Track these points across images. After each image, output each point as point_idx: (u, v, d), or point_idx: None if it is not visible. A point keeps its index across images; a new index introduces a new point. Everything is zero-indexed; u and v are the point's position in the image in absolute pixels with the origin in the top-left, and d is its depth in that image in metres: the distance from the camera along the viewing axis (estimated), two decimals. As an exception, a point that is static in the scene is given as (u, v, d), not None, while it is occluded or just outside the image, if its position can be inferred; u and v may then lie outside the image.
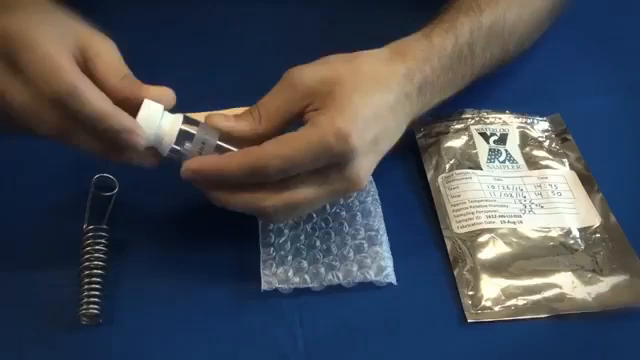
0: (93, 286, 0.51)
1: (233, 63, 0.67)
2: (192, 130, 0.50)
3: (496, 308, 0.51)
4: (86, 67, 0.49)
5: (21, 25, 0.48)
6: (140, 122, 0.48)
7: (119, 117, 0.48)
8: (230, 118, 0.51)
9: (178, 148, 0.50)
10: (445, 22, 0.57)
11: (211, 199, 0.50)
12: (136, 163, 0.51)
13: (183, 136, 0.50)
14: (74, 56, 0.48)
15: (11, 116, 0.48)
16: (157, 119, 0.49)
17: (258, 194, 0.49)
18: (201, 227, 0.56)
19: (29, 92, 0.47)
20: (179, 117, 0.50)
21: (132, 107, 0.49)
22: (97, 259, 0.52)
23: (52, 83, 0.46)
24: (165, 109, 0.50)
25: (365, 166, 0.50)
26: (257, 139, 0.49)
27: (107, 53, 0.50)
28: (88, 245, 0.52)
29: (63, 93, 0.46)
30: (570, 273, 0.52)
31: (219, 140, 0.50)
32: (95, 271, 0.51)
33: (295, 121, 0.51)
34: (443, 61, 0.55)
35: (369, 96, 0.50)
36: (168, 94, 0.50)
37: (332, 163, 0.49)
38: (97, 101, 0.47)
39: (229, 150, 0.50)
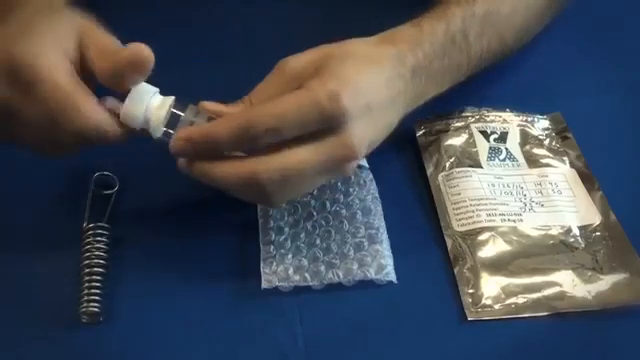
0: (93, 284, 0.51)
1: (233, 61, 0.67)
2: (180, 112, 0.50)
3: (496, 306, 0.51)
4: (82, 57, 0.49)
5: (25, 50, 0.48)
6: (128, 104, 0.49)
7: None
8: (220, 105, 0.50)
9: (168, 130, 0.50)
10: (435, 12, 0.57)
11: (204, 177, 0.49)
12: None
13: (172, 118, 0.49)
14: (74, 54, 0.49)
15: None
16: (144, 101, 0.49)
17: (250, 160, 0.48)
18: (201, 225, 0.56)
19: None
20: (169, 99, 0.50)
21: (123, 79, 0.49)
22: (97, 257, 0.52)
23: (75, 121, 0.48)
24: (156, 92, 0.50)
25: (359, 132, 0.48)
26: None
27: (99, 41, 0.50)
28: (88, 243, 0.52)
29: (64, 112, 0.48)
30: (570, 271, 0.52)
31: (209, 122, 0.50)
32: (95, 269, 0.51)
33: None
34: (435, 46, 0.55)
35: (360, 68, 0.50)
36: (142, 50, 0.48)
37: (325, 127, 0.48)
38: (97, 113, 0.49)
39: None
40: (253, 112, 0.48)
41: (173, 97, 0.50)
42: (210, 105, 0.50)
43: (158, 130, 0.50)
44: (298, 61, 0.51)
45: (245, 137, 0.47)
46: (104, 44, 0.49)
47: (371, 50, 0.52)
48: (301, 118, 0.47)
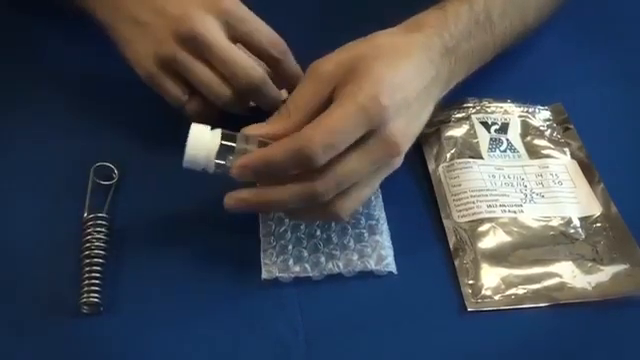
0: (93, 275, 0.51)
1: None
2: (232, 143, 0.50)
3: (496, 297, 0.51)
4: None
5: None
6: (191, 146, 0.49)
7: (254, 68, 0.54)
8: (262, 125, 0.51)
9: (223, 162, 0.50)
10: None
11: (264, 205, 0.52)
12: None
13: (225, 150, 0.50)
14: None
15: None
16: (206, 141, 0.50)
17: (305, 177, 0.49)
18: (201, 216, 0.56)
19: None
20: (218, 132, 0.50)
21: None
22: (97, 248, 0.52)
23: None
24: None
25: (399, 127, 0.50)
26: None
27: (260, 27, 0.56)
28: (88, 234, 0.52)
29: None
30: (570, 262, 0.52)
31: (259, 147, 0.50)
32: (95, 260, 0.51)
33: (325, 109, 0.50)
34: (460, 27, 0.55)
35: (392, 64, 0.51)
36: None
37: (369, 130, 0.49)
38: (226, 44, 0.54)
39: None
40: (306, 131, 0.48)
41: (220, 130, 0.51)
42: (253, 129, 0.51)
43: (213, 165, 0.50)
44: (329, 64, 0.51)
45: (301, 158, 0.48)
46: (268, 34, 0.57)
47: (398, 41, 0.53)
48: (351, 129, 0.48)
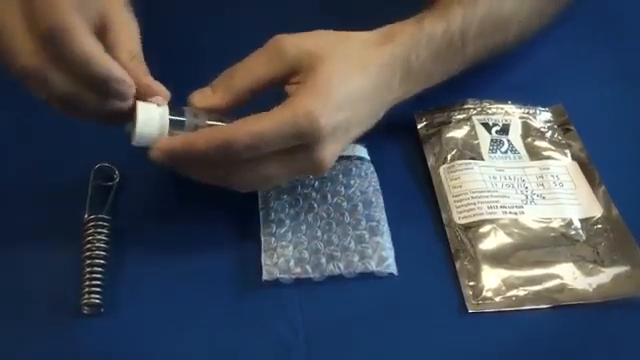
0: (94, 276, 0.51)
1: (229, 53, 0.67)
2: (181, 117, 0.50)
3: (497, 299, 0.51)
4: (102, 37, 0.49)
5: None
6: (141, 124, 0.49)
7: (109, 64, 0.47)
8: (207, 94, 0.51)
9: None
10: (438, 8, 0.57)
11: (179, 169, 0.51)
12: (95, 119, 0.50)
13: (175, 125, 0.50)
14: (93, 22, 0.48)
15: None
16: (156, 118, 0.49)
17: (224, 172, 0.50)
18: (203, 217, 0.56)
19: (24, 21, 0.46)
20: (165, 108, 0.50)
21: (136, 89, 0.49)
22: (98, 249, 0.52)
23: (48, 18, 0.45)
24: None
25: (331, 151, 0.50)
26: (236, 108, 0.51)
27: (125, 29, 0.50)
28: (89, 235, 0.52)
29: (57, 28, 0.45)
30: (571, 264, 0.52)
31: (209, 120, 0.50)
32: (96, 261, 0.51)
33: (271, 85, 0.51)
34: (431, 48, 0.55)
35: (347, 81, 0.51)
36: (164, 95, 0.50)
37: (300, 144, 0.49)
38: (89, 45, 0.46)
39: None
40: (233, 128, 0.48)
41: (166, 105, 0.50)
42: (199, 100, 0.51)
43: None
44: (293, 48, 0.51)
45: (223, 153, 0.48)
46: (127, 37, 0.50)
47: (366, 55, 0.52)
48: (280, 140, 0.48)
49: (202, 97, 0.52)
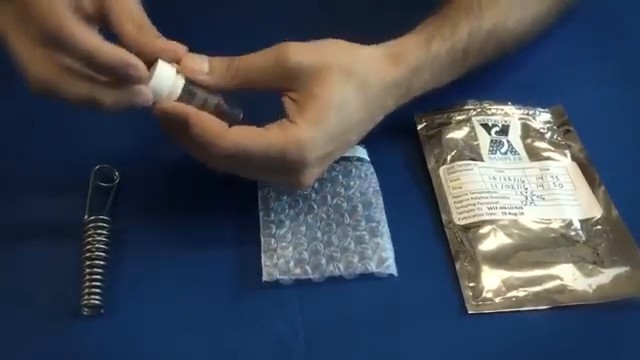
0: (94, 277, 0.51)
1: (230, 52, 0.67)
2: (194, 89, 0.51)
3: (497, 299, 0.51)
4: (105, 19, 0.49)
5: None
6: (154, 81, 0.49)
7: (114, 51, 0.47)
8: (201, 67, 0.51)
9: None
10: (446, 27, 0.57)
11: (173, 134, 0.51)
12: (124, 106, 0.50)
13: (186, 92, 0.50)
14: (93, 8, 0.49)
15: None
16: (170, 80, 0.50)
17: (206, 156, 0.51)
18: (202, 218, 0.56)
19: (28, 34, 0.47)
20: (182, 76, 0.50)
21: (148, 59, 0.49)
22: (98, 250, 0.52)
23: (44, 23, 0.46)
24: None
25: (312, 175, 0.52)
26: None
27: (124, 2, 0.50)
28: (89, 236, 0.52)
29: (53, 31, 0.46)
30: (571, 265, 0.52)
31: (221, 101, 0.51)
32: (96, 262, 0.51)
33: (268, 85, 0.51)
34: (434, 67, 0.56)
35: (344, 110, 0.51)
36: (182, 50, 0.50)
37: (282, 167, 0.50)
38: (87, 37, 0.46)
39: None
40: (226, 136, 0.49)
41: (183, 76, 0.51)
42: (189, 70, 0.50)
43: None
44: (300, 58, 0.50)
45: (207, 151, 0.49)
46: (128, 8, 0.50)
47: (370, 75, 0.52)
48: (264, 159, 0.49)
49: (194, 68, 0.51)
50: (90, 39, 0.47)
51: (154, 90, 0.49)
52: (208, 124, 0.49)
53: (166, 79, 0.50)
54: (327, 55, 0.51)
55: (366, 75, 0.52)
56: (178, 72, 0.50)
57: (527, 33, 0.62)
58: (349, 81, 0.51)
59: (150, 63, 0.49)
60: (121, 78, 0.48)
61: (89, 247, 0.52)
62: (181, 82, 0.50)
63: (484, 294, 0.51)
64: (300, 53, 0.51)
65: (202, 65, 0.51)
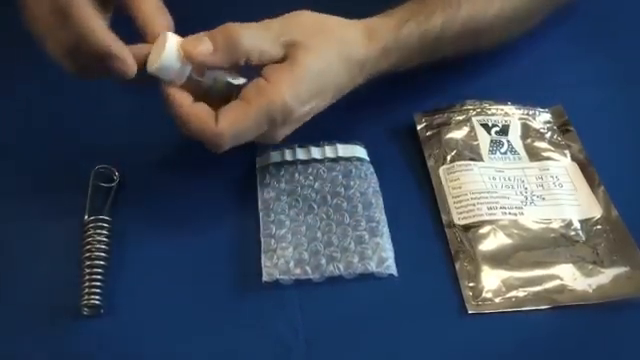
0: (94, 277, 0.51)
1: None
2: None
3: (497, 299, 0.51)
4: None
5: None
6: (165, 58, 0.50)
7: (109, 41, 0.49)
8: (205, 47, 0.51)
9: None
10: (422, 14, 0.58)
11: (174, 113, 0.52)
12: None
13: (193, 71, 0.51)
14: None
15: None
16: (176, 54, 0.50)
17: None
18: (202, 218, 0.56)
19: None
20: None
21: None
22: (98, 250, 0.52)
23: None
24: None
25: (284, 132, 0.54)
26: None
27: None
28: (89, 236, 0.52)
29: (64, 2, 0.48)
30: (571, 265, 0.52)
31: (229, 77, 0.52)
32: (96, 262, 0.51)
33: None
34: (404, 52, 0.57)
35: (321, 74, 0.53)
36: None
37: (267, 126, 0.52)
38: (89, 18, 0.49)
39: None
40: (218, 128, 0.50)
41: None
42: (196, 54, 0.51)
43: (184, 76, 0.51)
44: (253, 43, 0.52)
45: (210, 144, 0.52)
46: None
47: (342, 50, 0.54)
48: (256, 130, 0.52)
49: (199, 50, 0.51)
50: (91, 21, 0.49)
51: (164, 64, 0.50)
52: (199, 121, 0.51)
53: (172, 61, 0.50)
54: (305, 27, 0.53)
55: (342, 45, 0.54)
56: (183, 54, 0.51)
57: (506, 25, 0.62)
58: (328, 49, 0.53)
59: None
60: (108, 68, 0.49)
61: (89, 247, 0.52)
62: (188, 67, 0.51)
63: (484, 294, 0.51)
64: (254, 35, 0.52)
65: (204, 43, 0.51)
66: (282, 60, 0.52)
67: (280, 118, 0.52)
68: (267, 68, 0.52)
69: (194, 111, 0.51)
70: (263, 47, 0.52)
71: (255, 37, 0.52)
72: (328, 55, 0.53)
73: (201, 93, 0.52)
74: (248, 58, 0.52)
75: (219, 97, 0.52)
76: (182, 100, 0.51)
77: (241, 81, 0.52)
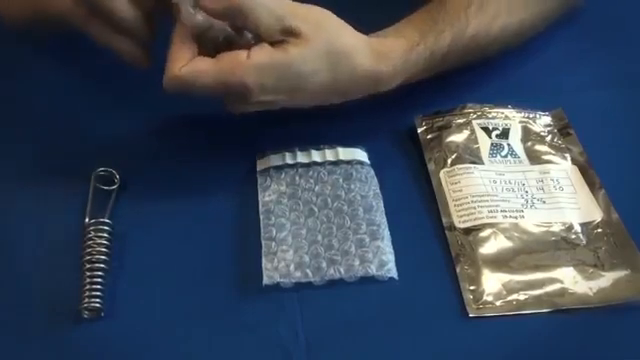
0: (95, 280, 0.51)
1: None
2: None
3: (497, 303, 0.51)
4: None
5: None
6: None
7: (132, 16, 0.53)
8: None
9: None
10: (431, 34, 0.57)
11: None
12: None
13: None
14: None
15: None
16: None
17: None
18: (202, 221, 0.56)
19: None
20: None
21: None
22: (99, 253, 0.52)
23: None
24: None
25: (245, 108, 0.54)
26: None
27: None
28: (90, 239, 0.52)
29: None
30: (571, 268, 0.52)
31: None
32: (97, 265, 0.51)
33: None
34: (410, 72, 0.57)
35: (300, 75, 0.52)
36: None
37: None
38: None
39: None
40: (180, 71, 0.51)
41: None
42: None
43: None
44: (256, 13, 0.51)
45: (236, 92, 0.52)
46: None
47: (353, 56, 0.54)
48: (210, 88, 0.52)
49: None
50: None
51: None
52: (171, 57, 0.51)
53: None
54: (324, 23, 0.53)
55: (347, 56, 0.54)
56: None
57: (512, 38, 0.62)
58: (330, 57, 0.53)
59: None
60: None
61: (90, 250, 0.52)
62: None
63: (485, 297, 0.51)
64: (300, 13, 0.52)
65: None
66: (276, 42, 0.52)
67: (235, 94, 0.52)
68: (256, 45, 0.52)
69: (176, 47, 0.51)
70: (263, 20, 0.51)
71: (262, 7, 0.51)
72: (318, 61, 0.52)
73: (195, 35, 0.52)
74: (245, 24, 0.52)
75: (212, 47, 0.53)
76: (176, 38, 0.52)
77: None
